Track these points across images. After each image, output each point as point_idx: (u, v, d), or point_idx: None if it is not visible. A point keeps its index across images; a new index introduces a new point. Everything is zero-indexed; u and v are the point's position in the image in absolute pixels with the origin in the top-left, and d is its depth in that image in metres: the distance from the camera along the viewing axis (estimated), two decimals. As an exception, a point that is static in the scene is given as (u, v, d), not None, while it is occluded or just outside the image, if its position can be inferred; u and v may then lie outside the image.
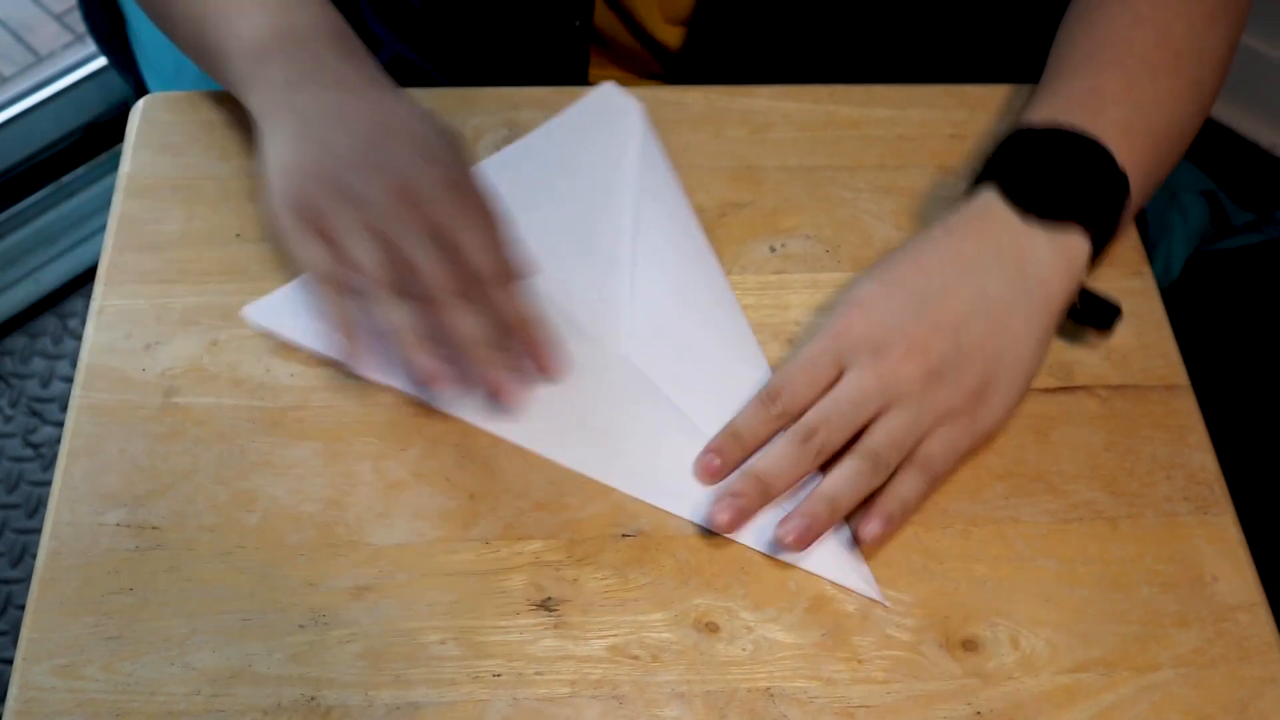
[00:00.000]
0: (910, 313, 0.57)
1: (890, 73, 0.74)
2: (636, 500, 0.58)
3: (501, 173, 0.66)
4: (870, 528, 0.55)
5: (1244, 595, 0.57)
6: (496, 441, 0.59)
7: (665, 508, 0.57)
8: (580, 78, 0.78)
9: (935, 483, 0.57)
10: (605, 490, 0.58)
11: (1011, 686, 0.54)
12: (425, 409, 0.60)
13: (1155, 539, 0.58)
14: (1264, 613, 0.56)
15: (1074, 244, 0.60)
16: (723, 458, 0.57)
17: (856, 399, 0.56)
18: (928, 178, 0.70)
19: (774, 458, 0.56)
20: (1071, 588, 0.56)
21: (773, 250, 0.67)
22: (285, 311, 0.61)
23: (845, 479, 0.55)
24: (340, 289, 0.57)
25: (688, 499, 0.57)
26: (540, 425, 0.59)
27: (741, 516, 0.55)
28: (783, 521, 0.55)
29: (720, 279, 0.65)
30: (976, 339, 0.57)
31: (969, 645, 0.54)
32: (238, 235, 0.65)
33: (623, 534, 0.57)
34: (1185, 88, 0.65)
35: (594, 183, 0.68)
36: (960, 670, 0.54)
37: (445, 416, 0.60)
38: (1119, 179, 0.61)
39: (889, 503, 0.55)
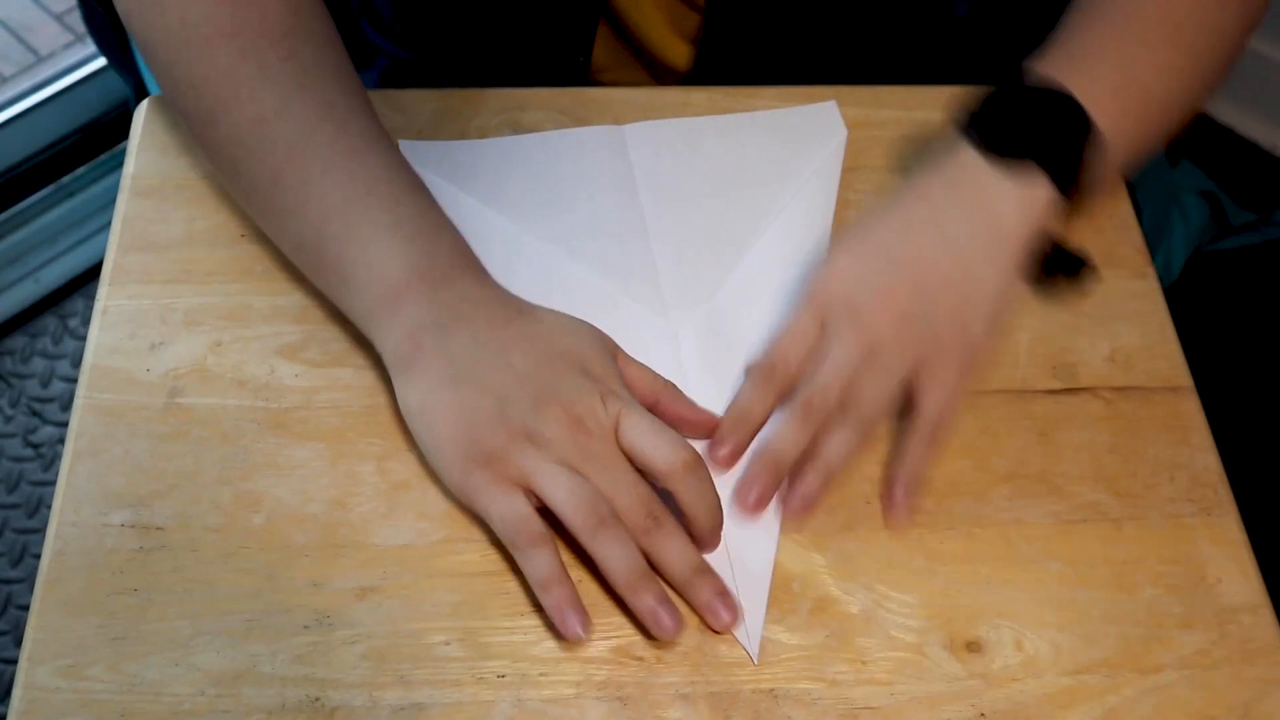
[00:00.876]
0: (878, 266, 0.60)
1: (894, 74, 0.74)
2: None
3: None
4: (898, 510, 0.58)
5: (1248, 597, 0.57)
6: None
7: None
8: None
9: (940, 433, 0.59)
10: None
11: (1015, 688, 0.54)
12: (429, 410, 0.60)
13: (1159, 540, 0.58)
14: (1268, 614, 0.56)
15: (1035, 183, 0.61)
16: (735, 442, 0.58)
17: (841, 361, 0.58)
18: (931, 179, 0.70)
19: (781, 438, 0.57)
20: (1075, 589, 0.56)
21: (776, 251, 0.67)
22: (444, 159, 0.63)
23: (837, 449, 0.57)
24: (535, 541, 0.53)
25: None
26: None
27: (765, 500, 0.57)
28: (786, 498, 0.57)
29: None
30: (940, 277, 0.60)
31: (973, 647, 0.54)
32: (242, 235, 0.65)
33: (627, 535, 0.57)
34: (1183, 59, 0.66)
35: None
36: (964, 672, 0.54)
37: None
38: (1082, 123, 0.61)
39: (907, 476, 0.58)
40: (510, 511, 0.53)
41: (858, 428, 0.57)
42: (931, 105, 0.73)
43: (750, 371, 0.59)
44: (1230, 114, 1.63)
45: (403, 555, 0.56)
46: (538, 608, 0.54)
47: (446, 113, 0.71)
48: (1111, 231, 0.68)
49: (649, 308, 0.63)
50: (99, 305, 0.62)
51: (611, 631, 0.54)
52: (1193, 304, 1.44)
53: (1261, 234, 1.51)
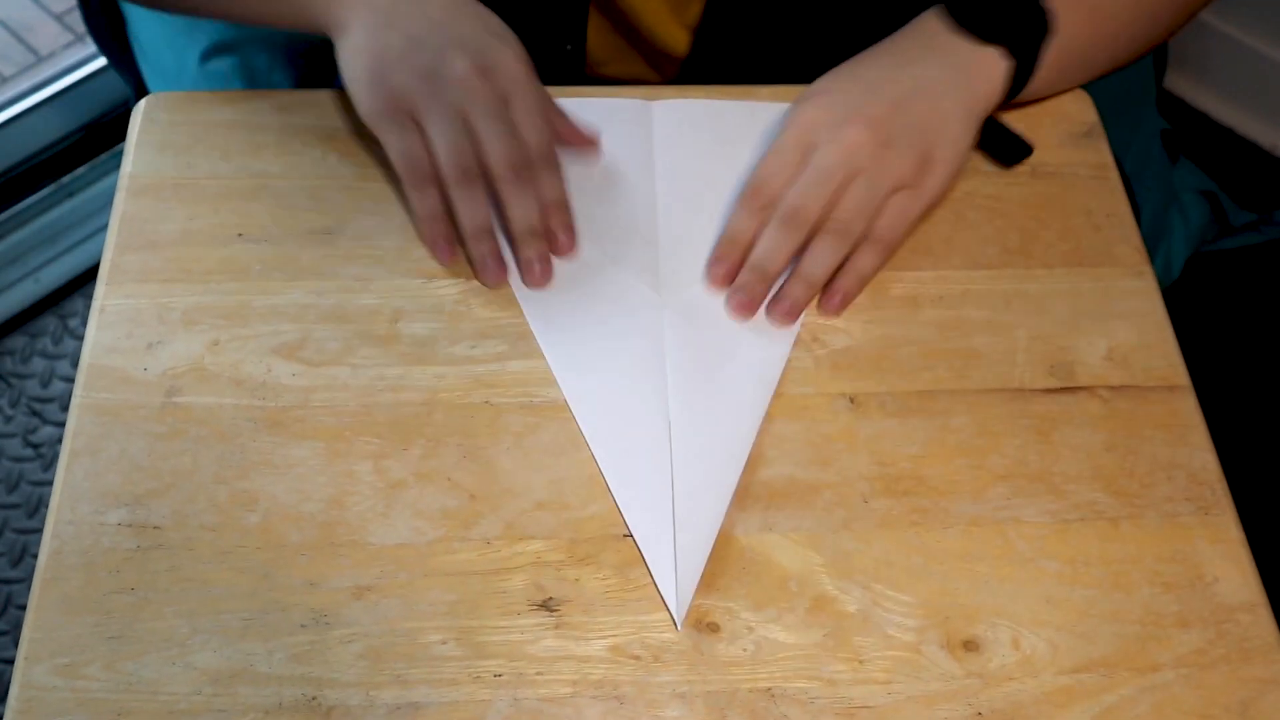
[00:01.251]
0: (861, 96, 0.65)
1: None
2: (638, 500, 0.58)
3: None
4: (832, 304, 0.64)
5: (1245, 596, 0.57)
6: (498, 441, 0.59)
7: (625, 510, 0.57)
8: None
9: (889, 252, 0.64)
10: (606, 490, 0.58)
11: (1012, 687, 0.54)
12: (426, 408, 0.60)
13: (1156, 539, 0.58)
14: (1265, 613, 0.56)
15: (996, 55, 0.66)
16: (728, 263, 0.64)
17: (824, 172, 0.62)
18: (929, 178, 0.70)
19: (765, 246, 0.63)
20: (1072, 588, 0.56)
21: (774, 250, 0.67)
22: None
23: (819, 256, 0.63)
24: (421, 181, 0.62)
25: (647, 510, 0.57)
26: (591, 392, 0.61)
27: (753, 304, 0.63)
28: (770, 307, 0.63)
29: None
30: (917, 115, 0.64)
31: (970, 646, 0.54)
32: (239, 235, 0.65)
33: (624, 534, 0.57)
34: None
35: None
36: (961, 671, 0.54)
37: (445, 416, 0.60)
38: (1042, 23, 0.66)
39: (846, 281, 0.63)
40: (404, 148, 0.62)
41: (840, 237, 0.62)
42: (929, 104, 0.73)
43: (739, 198, 0.64)
44: (1230, 114, 1.63)
45: (399, 554, 0.56)
46: (536, 607, 0.54)
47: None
48: (1110, 230, 0.68)
49: (641, 280, 0.64)
50: (96, 304, 0.62)
51: (608, 630, 0.54)
52: (1192, 304, 1.44)
53: (1261, 234, 1.51)
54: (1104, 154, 0.72)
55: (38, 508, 1.32)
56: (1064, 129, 0.73)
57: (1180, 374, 0.63)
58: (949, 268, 0.67)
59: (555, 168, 0.63)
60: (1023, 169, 0.71)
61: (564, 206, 0.64)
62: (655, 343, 0.62)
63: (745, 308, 0.63)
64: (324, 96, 0.71)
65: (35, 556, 0.55)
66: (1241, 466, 0.65)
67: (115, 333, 0.61)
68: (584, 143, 0.68)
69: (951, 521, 0.58)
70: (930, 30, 0.67)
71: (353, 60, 0.63)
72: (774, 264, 0.63)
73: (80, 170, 1.48)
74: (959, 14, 0.67)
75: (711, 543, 0.56)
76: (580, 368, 0.61)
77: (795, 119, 0.65)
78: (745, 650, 0.54)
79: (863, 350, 0.63)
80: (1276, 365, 1.38)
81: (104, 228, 0.66)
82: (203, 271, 0.64)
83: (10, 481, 1.34)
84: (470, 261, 0.63)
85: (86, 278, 1.47)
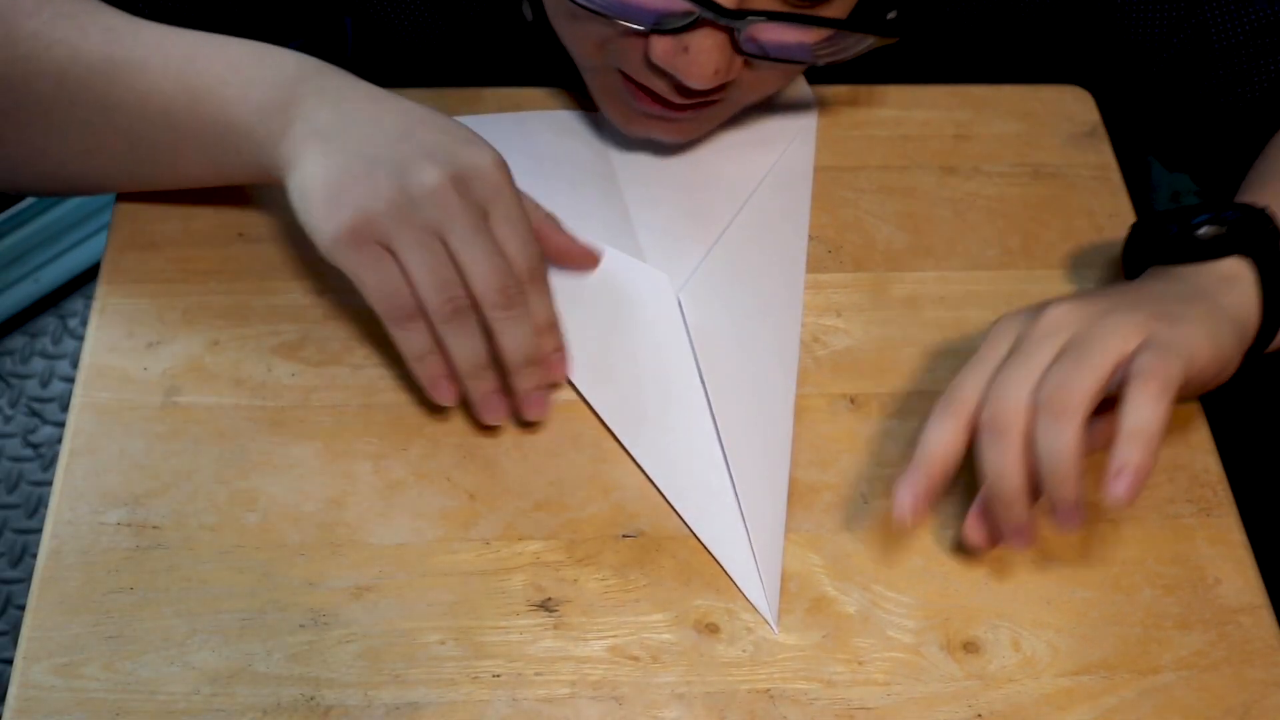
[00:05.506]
0: (1074, 297, 0.56)
1: (894, 73, 0.74)
2: (637, 501, 0.57)
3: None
4: (1124, 489, 0.49)
5: (1247, 598, 0.56)
6: (497, 442, 0.59)
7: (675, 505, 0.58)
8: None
9: (1166, 395, 0.49)
10: (605, 491, 0.58)
11: (1012, 689, 0.53)
12: (425, 408, 0.60)
13: (1158, 541, 0.58)
14: (1267, 615, 0.56)
15: (1231, 268, 0.57)
16: (914, 493, 0.53)
17: (1028, 354, 0.52)
18: (931, 178, 0.70)
19: (985, 469, 0.52)
20: (1073, 590, 0.56)
21: (774, 251, 0.67)
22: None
23: (1048, 448, 0.50)
24: (404, 318, 0.55)
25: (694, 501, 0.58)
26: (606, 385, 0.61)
27: (1025, 532, 0.53)
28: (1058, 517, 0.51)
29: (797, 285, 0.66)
30: (1136, 301, 0.54)
31: (970, 647, 0.54)
32: (239, 234, 0.65)
33: (623, 534, 0.57)
34: None
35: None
36: (961, 672, 0.54)
37: (446, 416, 0.60)
38: (1265, 217, 0.58)
39: (1127, 452, 0.49)
40: (379, 283, 0.54)
41: (1061, 418, 0.49)
42: (931, 105, 0.73)
43: (938, 410, 0.54)
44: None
45: (398, 554, 0.55)
46: (535, 608, 0.54)
47: (445, 112, 0.70)
48: (1112, 231, 0.68)
49: (645, 275, 0.64)
50: (96, 304, 0.62)
51: (607, 631, 0.54)
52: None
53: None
54: (1106, 154, 0.72)
55: (37, 508, 1.32)
56: (1066, 129, 0.72)
57: (1181, 375, 0.63)
58: (950, 268, 0.67)
59: (545, 286, 0.57)
60: (1024, 169, 0.71)
61: (555, 327, 0.58)
62: (678, 334, 0.62)
63: (1022, 534, 0.52)
64: (324, 96, 0.71)
65: (35, 556, 0.55)
66: (1243, 468, 0.64)
67: (115, 332, 0.61)
68: (582, 258, 0.63)
69: (952, 522, 0.58)
70: (1150, 274, 0.59)
71: (305, 191, 0.55)
72: (1005, 486, 0.51)
73: (81, 170, 1.47)
74: (1166, 253, 0.59)
75: (783, 535, 0.56)
76: (606, 377, 0.61)
77: (990, 330, 0.56)
78: (744, 651, 0.54)
79: (863, 350, 0.63)
80: (1277, 365, 1.38)
81: (104, 228, 0.66)
82: (202, 271, 0.64)
83: (10, 481, 1.34)
84: (470, 400, 0.57)
85: (86, 278, 1.47)
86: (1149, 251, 0.60)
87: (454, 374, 0.56)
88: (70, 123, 0.60)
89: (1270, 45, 0.69)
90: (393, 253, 0.54)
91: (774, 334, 0.63)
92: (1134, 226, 0.62)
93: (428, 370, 0.56)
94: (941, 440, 0.53)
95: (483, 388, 0.56)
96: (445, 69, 0.77)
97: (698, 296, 0.64)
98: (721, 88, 0.60)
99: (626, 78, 0.63)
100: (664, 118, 0.64)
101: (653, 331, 0.62)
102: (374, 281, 0.54)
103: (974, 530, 0.55)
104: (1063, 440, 0.49)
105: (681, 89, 0.60)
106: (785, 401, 0.61)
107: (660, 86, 0.61)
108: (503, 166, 0.56)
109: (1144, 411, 0.49)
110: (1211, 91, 0.71)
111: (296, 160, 0.56)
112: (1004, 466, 0.51)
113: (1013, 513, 0.52)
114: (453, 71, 0.77)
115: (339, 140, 0.55)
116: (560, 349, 0.59)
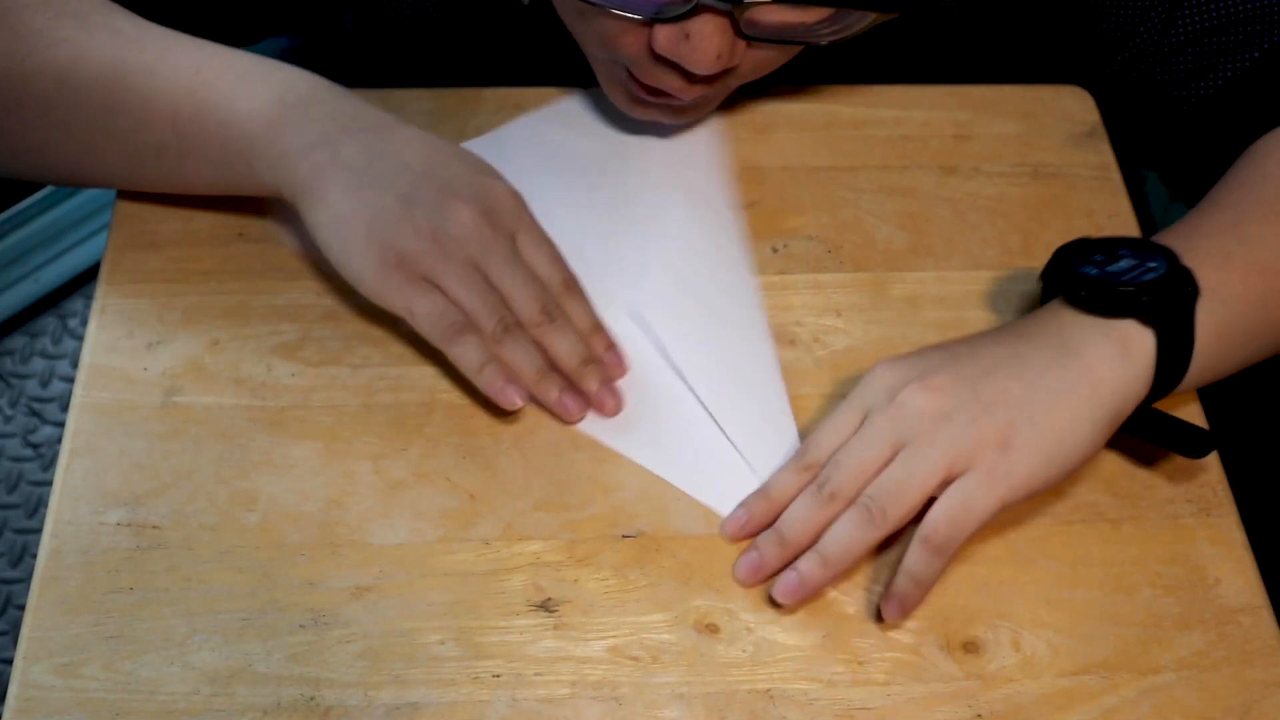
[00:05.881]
0: (936, 364, 0.56)
1: (894, 73, 0.74)
2: (637, 501, 0.57)
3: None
4: (889, 610, 0.54)
5: (1247, 598, 0.56)
6: (497, 442, 0.59)
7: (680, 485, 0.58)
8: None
9: (942, 555, 0.53)
10: (605, 491, 0.58)
11: (1012, 689, 0.53)
12: (425, 408, 0.60)
13: (1158, 541, 0.58)
14: (1267, 615, 0.56)
15: (1132, 334, 0.55)
16: (751, 519, 0.56)
17: (867, 439, 0.54)
18: (931, 178, 0.70)
19: (793, 514, 0.55)
20: (1073, 590, 0.56)
21: (775, 251, 0.67)
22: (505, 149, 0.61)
23: (838, 532, 0.54)
24: (460, 334, 0.57)
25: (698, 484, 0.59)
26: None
27: (762, 570, 0.55)
28: (779, 578, 0.54)
29: (742, 264, 0.66)
30: (998, 391, 0.54)
31: (970, 647, 0.54)
32: (239, 234, 0.65)
33: (623, 535, 0.57)
34: None
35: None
36: (961, 672, 0.54)
37: (445, 416, 0.60)
38: (1187, 283, 0.56)
39: (898, 582, 0.53)
40: (431, 309, 0.57)
41: (865, 515, 0.53)
42: (931, 105, 0.73)
43: (791, 461, 0.57)
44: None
45: (398, 555, 0.55)
46: (534, 608, 0.54)
47: (444, 112, 0.71)
48: (1111, 231, 0.68)
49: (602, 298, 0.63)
50: (96, 304, 0.62)
51: (607, 631, 0.54)
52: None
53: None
54: (1106, 154, 0.72)
55: (37, 508, 1.32)
56: (1066, 129, 0.72)
57: (1181, 375, 0.63)
58: (950, 268, 0.67)
59: (580, 293, 0.60)
60: (1024, 169, 0.71)
61: (601, 328, 0.60)
62: (648, 349, 0.62)
63: (753, 571, 0.55)
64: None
65: (35, 556, 0.55)
66: (1243, 468, 0.64)
67: (115, 332, 0.61)
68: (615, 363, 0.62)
69: (952, 523, 0.58)
70: (1047, 315, 0.58)
71: (338, 229, 0.57)
72: (795, 534, 0.54)
73: (81, 170, 1.47)
74: (1073, 294, 0.57)
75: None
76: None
77: (865, 378, 0.57)
78: (744, 651, 0.54)
79: (863, 350, 0.63)
80: (1277, 365, 1.38)
81: (104, 228, 0.66)
82: (203, 271, 0.64)
83: (10, 481, 1.34)
84: (547, 407, 0.59)
85: (86, 278, 1.47)
86: (1061, 282, 0.58)
87: (519, 381, 0.58)
88: (72, 121, 0.60)
89: (1233, 42, 0.67)
90: (436, 285, 0.57)
91: (735, 306, 0.64)
92: (1058, 251, 0.59)
93: (490, 379, 0.57)
94: (783, 485, 0.57)
95: (554, 391, 0.58)
96: (445, 57, 0.77)
97: (654, 304, 0.63)
98: (726, 70, 0.61)
99: (634, 78, 0.63)
100: (667, 105, 0.65)
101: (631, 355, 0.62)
102: (425, 308, 0.56)
103: (734, 524, 0.57)
104: (850, 545, 0.54)
105: (688, 78, 0.61)
106: (767, 355, 0.63)
107: (667, 83, 0.61)
108: (517, 194, 0.60)
109: (919, 565, 0.53)
110: (1169, 85, 0.69)
111: (320, 192, 0.57)
112: (801, 524, 0.55)
113: (773, 548, 0.55)
114: (452, 59, 0.77)
115: (368, 177, 0.57)
116: (612, 346, 0.61)
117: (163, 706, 0.51)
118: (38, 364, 1.42)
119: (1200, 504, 0.59)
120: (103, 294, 0.63)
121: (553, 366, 0.59)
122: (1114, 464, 0.60)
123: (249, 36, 0.71)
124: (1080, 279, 0.57)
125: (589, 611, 0.54)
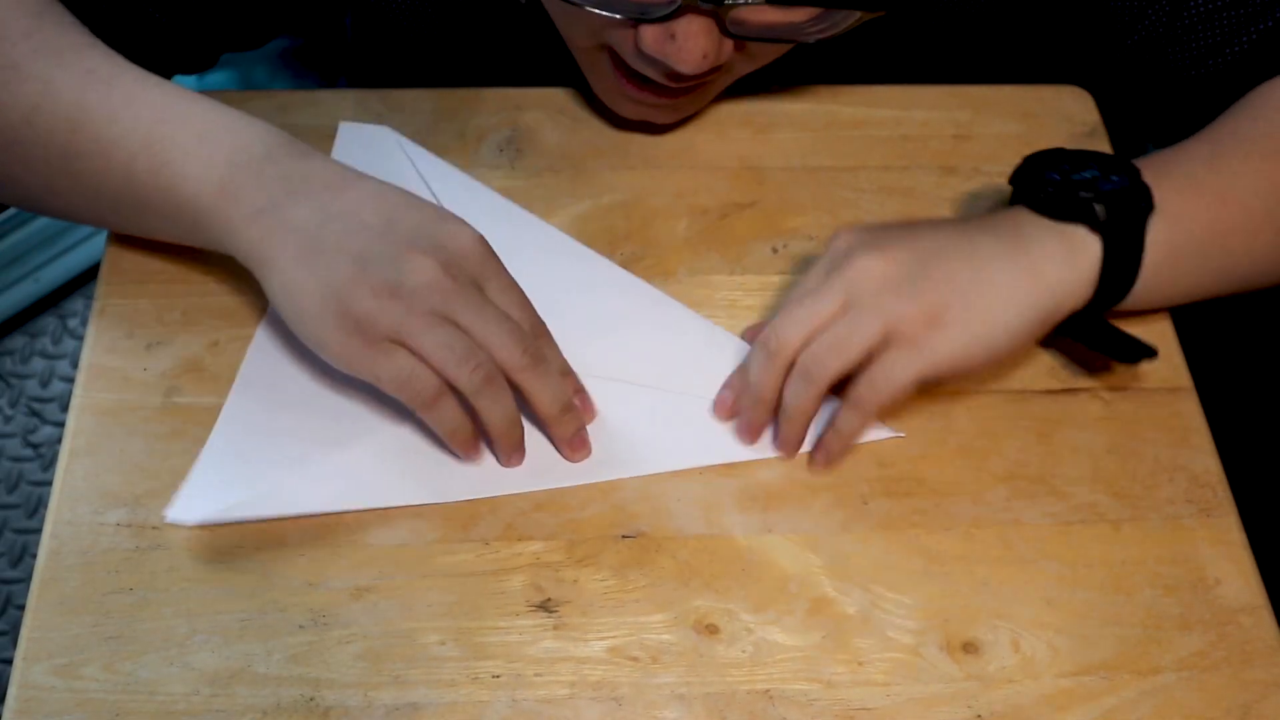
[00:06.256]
0: (896, 236, 0.59)
1: (894, 73, 0.74)
2: (637, 501, 0.57)
3: None
4: (815, 461, 0.59)
5: (1247, 598, 0.56)
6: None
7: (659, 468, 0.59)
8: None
9: (868, 417, 0.58)
10: (605, 491, 0.58)
11: (1012, 689, 0.53)
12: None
13: (1158, 542, 0.58)
14: (1267, 616, 0.56)
15: (1081, 239, 0.58)
16: (731, 391, 0.61)
17: (817, 295, 0.58)
18: (931, 178, 0.70)
19: (752, 375, 0.59)
20: (1073, 590, 0.56)
21: (775, 251, 0.67)
22: (213, 493, 0.56)
23: (788, 391, 0.58)
24: (434, 398, 0.55)
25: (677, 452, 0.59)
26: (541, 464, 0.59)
27: (751, 430, 0.59)
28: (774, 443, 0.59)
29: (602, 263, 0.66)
30: (946, 271, 0.57)
31: (970, 648, 0.54)
32: (239, 235, 0.65)
33: (622, 535, 0.57)
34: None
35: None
36: (961, 673, 0.54)
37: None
38: (1142, 198, 0.59)
39: (827, 437, 0.59)
40: (398, 373, 0.54)
41: (804, 376, 0.57)
42: (931, 105, 0.73)
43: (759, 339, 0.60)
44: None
45: (398, 555, 0.55)
46: (534, 608, 0.54)
47: (445, 112, 0.71)
48: (1111, 232, 0.68)
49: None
50: (96, 304, 0.62)
51: (607, 632, 0.54)
52: (1195, 305, 1.43)
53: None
54: (1106, 155, 0.72)
55: (37, 508, 1.32)
56: (1065, 129, 0.72)
57: (1182, 376, 0.63)
58: (950, 269, 0.66)
59: (549, 337, 0.59)
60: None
61: (570, 370, 0.60)
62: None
63: (744, 431, 0.60)
64: (324, 96, 0.71)
65: (35, 556, 0.55)
66: (1243, 468, 0.64)
67: (115, 333, 0.61)
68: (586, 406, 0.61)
69: (952, 523, 0.58)
70: (1004, 213, 0.61)
71: (294, 299, 0.55)
72: (762, 393, 0.58)
73: (81, 170, 1.47)
74: (1033, 197, 0.60)
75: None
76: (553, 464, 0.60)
77: (830, 242, 0.60)
78: (744, 652, 0.54)
79: (863, 351, 0.63)
80: (1277, 365, 1.38)
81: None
82: (203, 272, 0.64)
83: (10, 481, 1.34)
84: (496, 452, 0.58)
85: (86, 278, 1.47)
86: (1026, 187, 0.61)
87: (488, 436, 0.57)
88: (33, 161, 0.59)
89: (1244, 15, 0.68)
90: (403, 344, 0.54)
91: (604, 283, 0.65)
92: (1029, 157, 0.62)
93: (462, 439, 0.56)
94: (753, 356, 0.60)
95: (513, 438, 0.57)
96: (445, 57, 0.77)
97: (592, 358, 0.62)
98: (714, 69, 0.61)
99: (621, 69, 0.63)
100: (656, 103, 0.65)
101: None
102: (391, 374, 0.54)
103: (721, 404, 0.61)
104: (798, 402, 0.58)
105: (674, 75, 0.61)
106: (661, 301, 0.64)
107: (654, 74, 0.62)
108: (482, 239, 0.57)
109: (842, 421, 0.58)
110: (1184, 64, 0.70)
111: (273, 258, 0.55)
112: (761, 386, 0.59)
113: (749, 409, 0.59)
114: (452, 59, 0.77)
115: (319, 241, 0.54)
116: (580, 389, 0.60)
117: (162, 707, 0.51)
118: (38, 364, 1.42)
119: (1200, 504, 0.59)
120: (103, 294, 0.63)
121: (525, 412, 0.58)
122: (1115, 465, 0.60)
123: (253, 39, 0.71)
124: (1043, 181, 0.60)
125: (589, 612, 0.54)
